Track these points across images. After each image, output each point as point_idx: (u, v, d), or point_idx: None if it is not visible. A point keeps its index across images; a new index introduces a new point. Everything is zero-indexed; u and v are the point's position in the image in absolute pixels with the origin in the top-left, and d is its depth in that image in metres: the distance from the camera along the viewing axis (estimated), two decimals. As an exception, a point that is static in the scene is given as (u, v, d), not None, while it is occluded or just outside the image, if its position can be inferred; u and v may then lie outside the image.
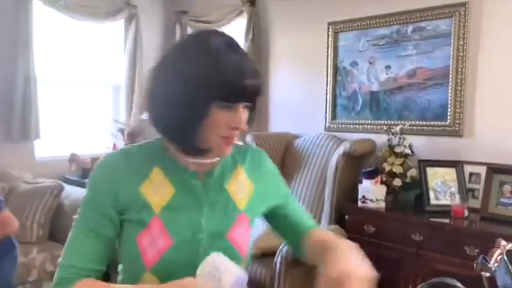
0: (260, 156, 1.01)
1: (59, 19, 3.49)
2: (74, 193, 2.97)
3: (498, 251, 1.44)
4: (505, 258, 1.30)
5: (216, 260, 0.77)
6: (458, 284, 1.17)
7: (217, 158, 0.90)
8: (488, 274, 1.35)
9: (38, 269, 2.58)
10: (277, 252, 2.43)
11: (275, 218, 1.03)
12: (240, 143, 0.98)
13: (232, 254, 0.85)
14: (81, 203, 0.89)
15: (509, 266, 1.25)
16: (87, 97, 3.83)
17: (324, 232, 0.98)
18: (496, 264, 1.33)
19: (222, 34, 0.84)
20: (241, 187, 0.94)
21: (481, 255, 1.40)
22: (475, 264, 1.40)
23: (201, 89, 0.77)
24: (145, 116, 3.82)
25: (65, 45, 3.63)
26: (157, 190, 0.86)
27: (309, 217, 1.05)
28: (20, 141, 3.22)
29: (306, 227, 1.00)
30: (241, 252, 0.91)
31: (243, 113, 0.82)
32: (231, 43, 0.82)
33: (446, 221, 2.40)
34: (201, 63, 0.78)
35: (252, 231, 0.96)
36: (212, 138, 0.82)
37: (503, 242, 1.49)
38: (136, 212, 0.85)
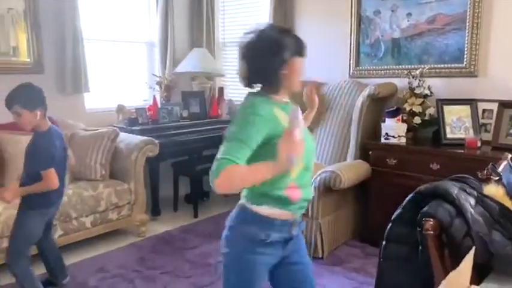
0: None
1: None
2: (126, 139, 3.33)
3: (505, 161, 1.77)
4: (509, 162, 1.62)
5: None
6: (472, 178, 1.50)
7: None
8: (497, 178, 1.68)
9: (106, 201, 3.00)
10: (311, 182, 2.79)
11: None
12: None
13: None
14: (239, 121, 1.26)
15: (512, 166, 1.57)
16: (127, 53, 4.13)
17: None
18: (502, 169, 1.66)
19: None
20: None
21: (491, 163, 1.72)
22: (485, 170, 1.72)
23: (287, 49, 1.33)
24: (179, 69, 4.10)
25: (105, 6, 3.89)
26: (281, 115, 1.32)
27: None
28: (72, 94, 3.57)
29: None
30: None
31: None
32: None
33: (461, 151, 2.72)
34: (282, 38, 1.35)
35: None
36: (294, 79, 1.36)
37: (510, 155, 1.81)
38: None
